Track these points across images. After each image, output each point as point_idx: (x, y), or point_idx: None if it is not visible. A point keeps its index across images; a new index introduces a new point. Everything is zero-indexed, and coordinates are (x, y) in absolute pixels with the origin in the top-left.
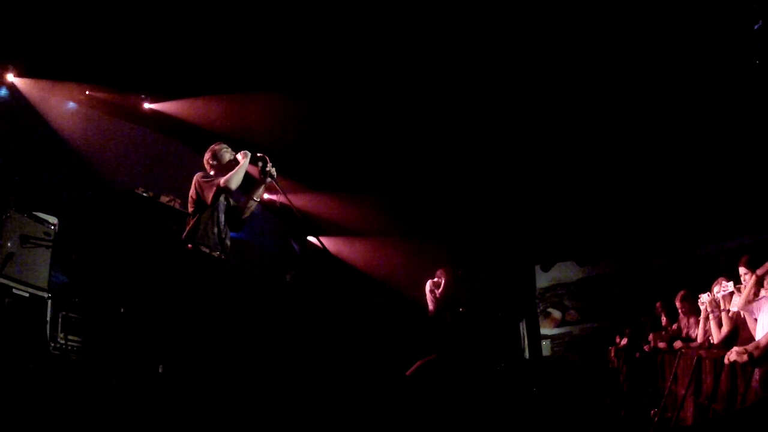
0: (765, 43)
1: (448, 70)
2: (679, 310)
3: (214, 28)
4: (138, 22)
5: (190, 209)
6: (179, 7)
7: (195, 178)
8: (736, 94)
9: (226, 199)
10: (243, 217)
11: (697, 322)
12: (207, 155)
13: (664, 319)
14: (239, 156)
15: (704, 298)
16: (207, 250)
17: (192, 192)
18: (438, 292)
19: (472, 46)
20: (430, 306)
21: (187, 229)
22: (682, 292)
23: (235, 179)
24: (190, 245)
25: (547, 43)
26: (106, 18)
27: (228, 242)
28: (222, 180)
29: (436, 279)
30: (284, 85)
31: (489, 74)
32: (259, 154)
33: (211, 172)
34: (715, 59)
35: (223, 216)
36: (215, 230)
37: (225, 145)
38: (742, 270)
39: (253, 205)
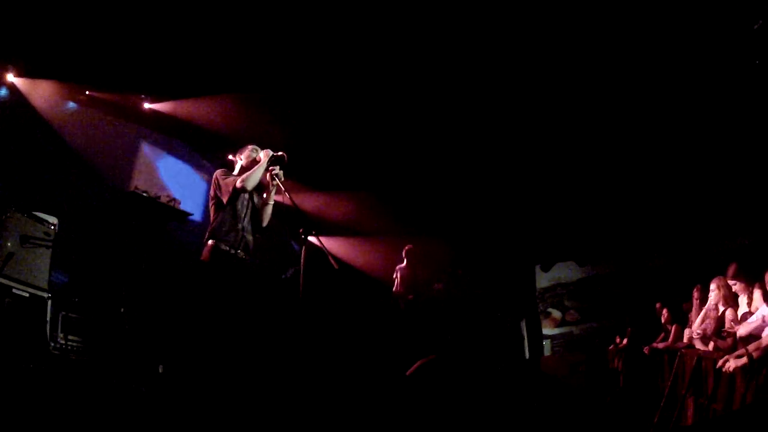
0: (765, 43)
1: (449, 71)
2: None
3: (214, 29)
4: (138, 22)
5: (211, 207)
6: (178, 7)
7: (215, 174)
8: (736, 94)
9: (251, 198)
10: (263, 225)
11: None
12: (237, 154)
13: (664, 318)
14: (261, 154)
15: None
16: (227, 248)
17: (211, 190)
18: (401, 274)
19: (474, 46)
20: (395, 288)
21: (210, 227)
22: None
23: (251, 179)
24: (211, 241)
25: (548, 44)
26: (106, 18)
27: (250, 242)
28: (239, 180)
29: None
30: (284, 85)
31: (490, 74)
32: (279, 153)
33: (236, 171)
34: (715, 59)
35: (247, 215)
36: (238, 227)
37: (257, 147)
38: (731, 282)
39: (269, 209)
